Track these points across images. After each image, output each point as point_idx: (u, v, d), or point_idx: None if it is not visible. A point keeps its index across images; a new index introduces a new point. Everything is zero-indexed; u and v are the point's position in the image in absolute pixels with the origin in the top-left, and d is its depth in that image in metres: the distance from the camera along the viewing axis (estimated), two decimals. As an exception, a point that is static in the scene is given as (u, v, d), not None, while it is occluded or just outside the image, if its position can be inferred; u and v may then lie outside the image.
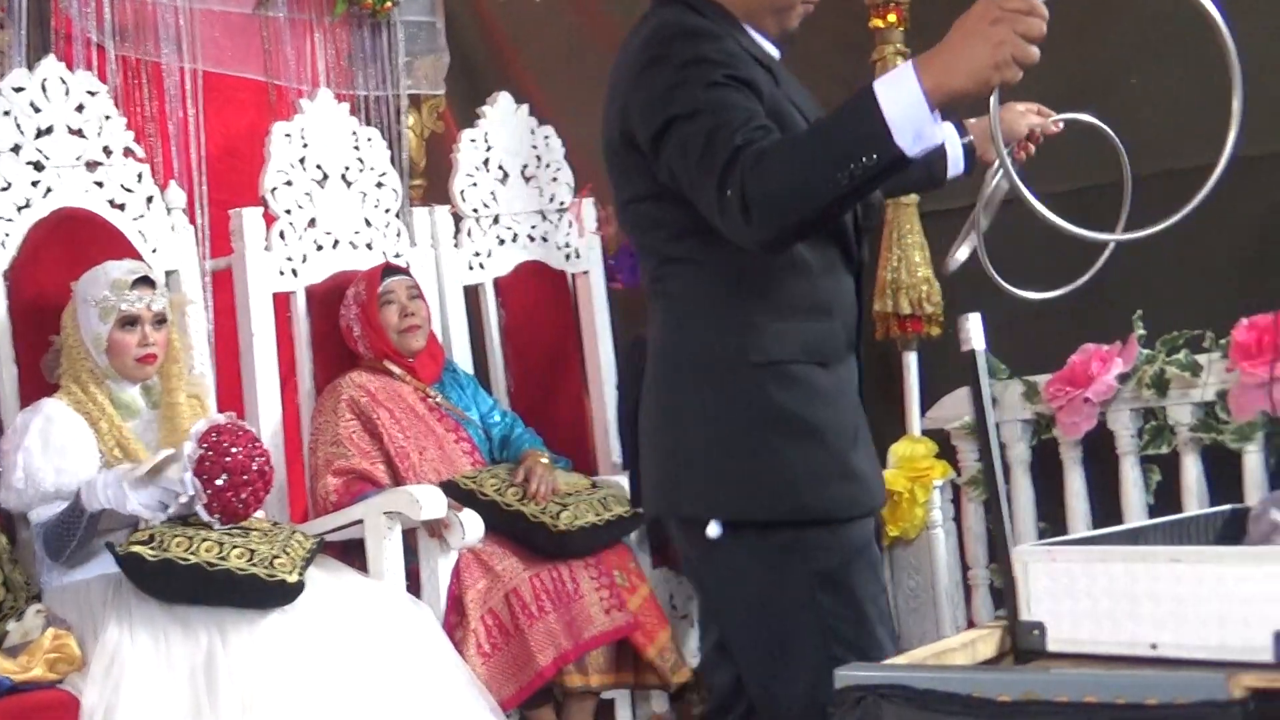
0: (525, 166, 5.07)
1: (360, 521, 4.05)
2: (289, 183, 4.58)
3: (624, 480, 4.50)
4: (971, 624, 4.76)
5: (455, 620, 4.06)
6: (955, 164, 2.84)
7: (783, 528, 2.46)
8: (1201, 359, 4.33)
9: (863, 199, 2.31)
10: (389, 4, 4.98)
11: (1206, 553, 1.94)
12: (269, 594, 3.51)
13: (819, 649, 2.44)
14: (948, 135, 2.77)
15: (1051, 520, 4.68)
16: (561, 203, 5.12)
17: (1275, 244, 4.50)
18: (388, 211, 4.79)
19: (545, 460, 4.42)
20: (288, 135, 4.60)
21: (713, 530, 2.48)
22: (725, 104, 2.30)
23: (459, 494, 4.20)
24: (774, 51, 2.58)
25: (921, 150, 2.12)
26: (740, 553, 2.49)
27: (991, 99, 2.08)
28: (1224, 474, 4.33)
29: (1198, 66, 4.85)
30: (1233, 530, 2.24)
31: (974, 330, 2.30)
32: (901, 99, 2.09)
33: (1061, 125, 2.85)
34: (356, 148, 4.74)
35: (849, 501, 2.49)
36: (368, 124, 4.93)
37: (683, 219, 2.44)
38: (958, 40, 2.09)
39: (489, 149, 5.01)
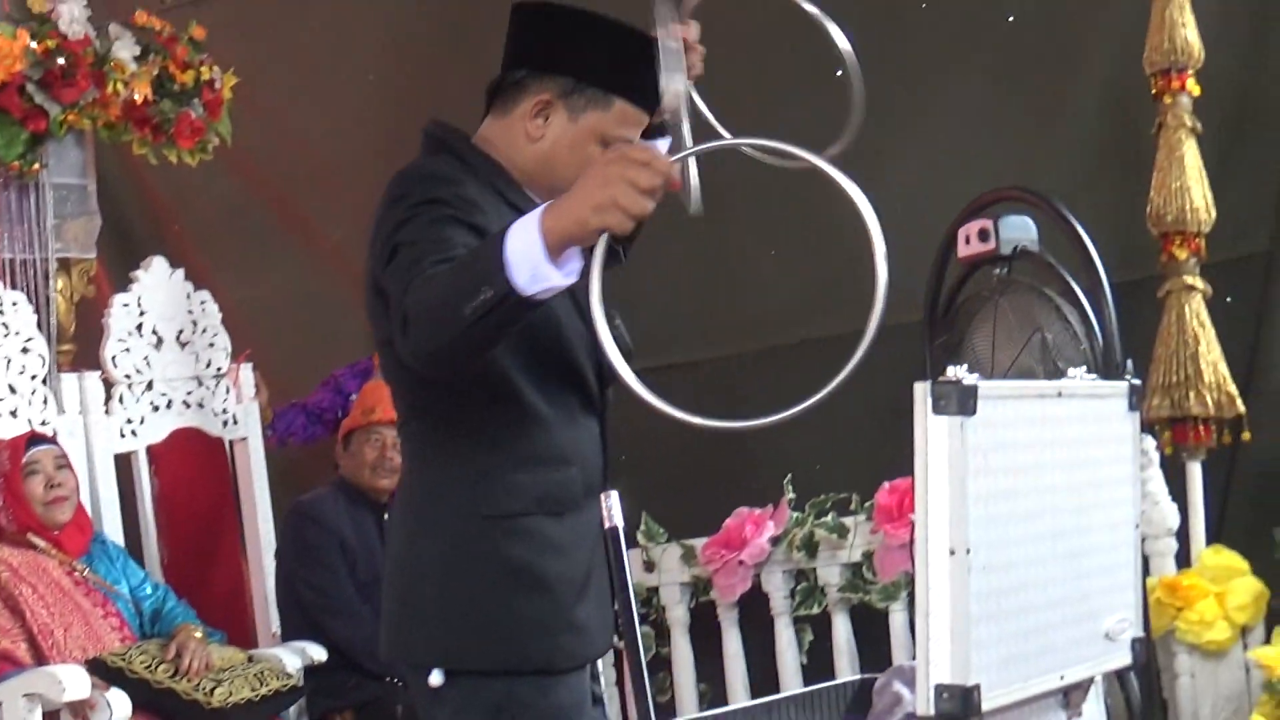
0: (181, 331, 4.97)
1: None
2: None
3: (283, 652, 4.46)
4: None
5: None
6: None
7: (500, 679, 2.44)
8: (848, 521, 4.51)
9: (503, 336, 2.23)
10: (37, 166, 4.85)
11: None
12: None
13: None
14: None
15: (711, 682, 4.77)
16: (219, 368, 5.03)
17: (909, 408, 4.73)
18: (34, 378, 4.62)
19: (199, 634, 4.29)
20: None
21: (435, 679, 2.44)
22: (439, 239, 2.29)
23: (106, 672, 4.05)
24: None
25: (543, 290, 2.09)
26: (458, 702, 2.45)
27: (597, 247, 2.04)
28: (872, 633, 4.49)
29: (834, 239, 5.13)
30: (862, 701, 2.33)
31: (614, 508, 2.37)
32: (524, 237, 2.07)
33: None
34: (0, 312, 4.58)
35: (568, 654, 2.48)
36: (13, 288, 4.76)
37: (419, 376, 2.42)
38: (578, 184, 2.09)
39: (142, 313, 4.90)
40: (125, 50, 4.86)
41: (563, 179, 2.34)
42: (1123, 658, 2.43)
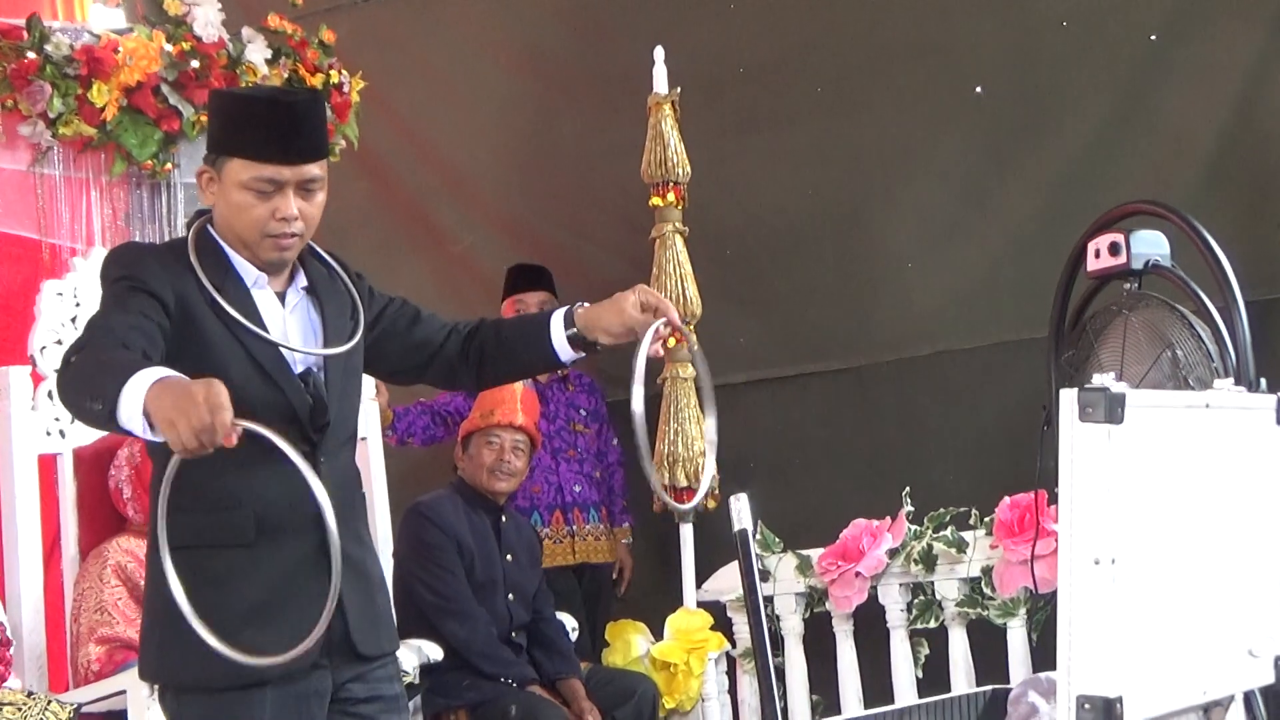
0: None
1: (123, 692, 3.90)
2: (59, 341, 4.45)
3: (400, 651, 4.48)
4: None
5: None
6: (563, 352, 2.97)
7: (182, 694, 2.80)
8: (967, 535, 4.46)
9: (108, 430, 2.52)
10: (169, 166, 4.93)
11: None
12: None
13: None
14: (553, 329, 2.97)
15: (824, 693, 4.74)
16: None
17: (1034, 424, 4.68)
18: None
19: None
20: (59, 294, 4.48)
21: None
22: (106, 312, 2.68)
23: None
24: (249, 274, 2.83)
25: (133, 431, 2.40)
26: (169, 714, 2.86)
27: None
28: (989, 648, 4.45)
29: (969, 255, 5.11)
30: (993, 711, 2.31)
31: (742, 510, 2.37)
32: (133, 397, 2.36)
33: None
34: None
35: (227, 673, 2.62)
36: (144, 284, 4.84)
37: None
38: (178, 393, 2.34)
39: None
40: (257, 53, 4.94)
41: (239, 226, 2.78)
42: (1266, 676, 2.38)
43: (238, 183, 2.76)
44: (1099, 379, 2.12)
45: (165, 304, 2.71)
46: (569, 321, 2.93)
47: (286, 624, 2.69)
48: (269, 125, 2.75)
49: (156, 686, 2.91)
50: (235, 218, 2.78)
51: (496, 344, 2.99)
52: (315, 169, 2.80)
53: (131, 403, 2.37)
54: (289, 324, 2.85)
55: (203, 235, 2.84)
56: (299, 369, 2.81)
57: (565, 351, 2.94)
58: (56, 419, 4.40)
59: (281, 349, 2.78)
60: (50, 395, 4.39)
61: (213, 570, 2.73)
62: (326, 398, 2.80)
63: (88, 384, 2.46)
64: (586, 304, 2.94)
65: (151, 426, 2.37)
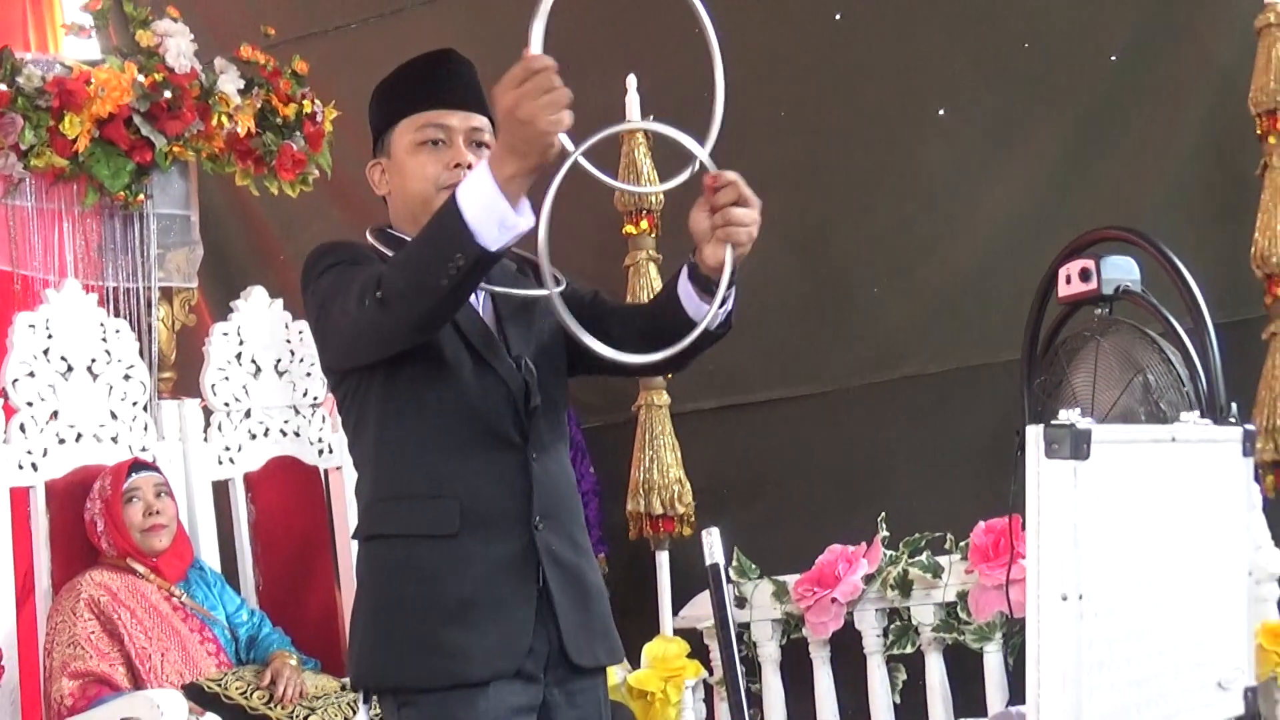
0: (279, 360, 5.02)
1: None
2: (31, 374, 4.45)
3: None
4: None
5: (195, 832, 3.90)
6: (692, 305, 2.64)
7: (396, 695, 2.60)
8: (943, 560, 4.47)
9: (477, 283, 2.44)
10: (141, 197, 4.93)
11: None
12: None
13: None
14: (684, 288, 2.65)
15: (802, 719, 4.74)
16: (315, 398, 5.08)
17: (1008, 448, 4.70)
18: (135, 405, 4.68)
19: (294, 662, 4.31)
20: (31, 326, 4.48)
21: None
22: (349, 274, 2.55)
23: (203, 698, 4.07)
24: None
25: (510, 237, 2.31)
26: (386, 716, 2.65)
27: (567, 152, 2.28)
28: (966, 673, 4.45)
29: (934, 278, 5.13)
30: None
31: (714, 544, 2.37)
32: (479, 200, 2.29)
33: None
34: (104, 339, 4.64)
35: (436, 673, 2.55)
36: (117, 315, 4.83)
37: (351, 424, 2.71)
38: (503, 135, 2.29)
39: (241, 342, 4.95)
40: (230, 84, 4.94)
41: (416, 189, 2.69)
42: (1235, 707, 2.39)
43: (408, 145, 2.71)
44: (1065, 415, 2.13)
45: None
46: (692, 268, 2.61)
47: (493, 626, 2.58)
48: (427, 75, 2.73)
49: (365, 693, 2.70)
50: (411, 183, 2.71)
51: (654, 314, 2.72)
52: (483, 120, 2.73)
53: (486, 210, 2.28)
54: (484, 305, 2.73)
55: (386, 235, 2.75)
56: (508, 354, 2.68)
57: (698, 303, 2.59)
58: (29, 451, 4.40)
59: (495, 291, 2.66)
60: (22, 428, 4.38)
61: (416, 562, 2.60)
62: (536, 382, 2.67)
63: (426, 264, 2.36)
64: None
65: (514, 204, 2.28)
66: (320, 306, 2.60)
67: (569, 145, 2.30)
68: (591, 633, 2.68)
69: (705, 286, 2.58)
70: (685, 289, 2.61)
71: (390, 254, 2.64)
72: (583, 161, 2.36)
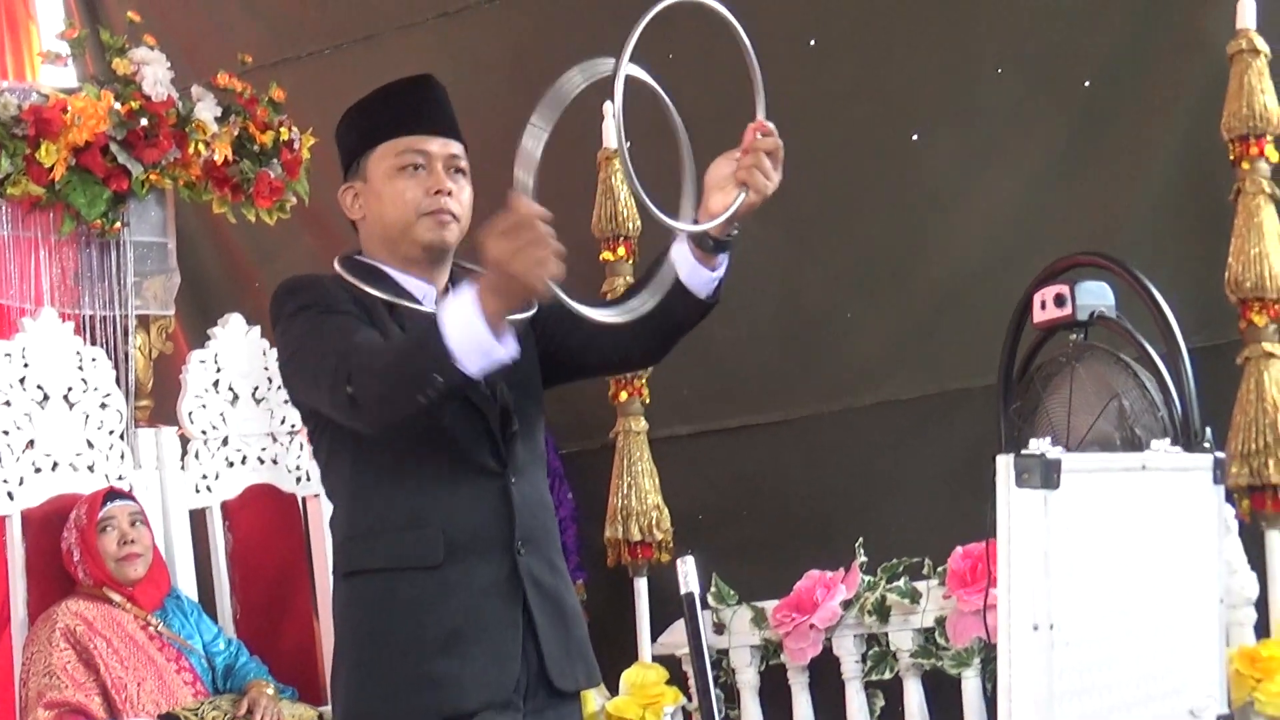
0: (256, 388, 5.01)
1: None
2: (7, 403, 4.45)
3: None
4: None
5: None
6: (690, 271, 2.60)
7: None
8: (921, 586, 4.47)
9: (452, 402, 2.46)
10: (118, 225, 4.92)
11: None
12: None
13: None
14: (681, 261, 2.61)
15: (780, 745, 4.73)
16: (293, 425, 5.07)
17: (984, 473, 4.71)
18: (111, 433, 4.67)
19: (270, 691, 4.31)
20: (7, 354, 4.48)
21: None
22: (319, 335, 2.55)
23: (179, 727, 4.06)
24: (419, 290, 2.71)
25: (490, 364, 2.32)
26: None
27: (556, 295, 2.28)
28: (945, 699, 4.45)
29: (908, 303, 5.14)
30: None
31: (690, 573, 2.37)
32: (463, 327, 2.30)
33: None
34: (80, 368, 4.63)
35: (423, 709, 2.55)
36: (93, 344, 4.82)
37: (323, 457, 2.71)
38: (491, 278, 2.30)
39: (219, 370, 4.94)
40: (207, 111, 4.93)
41: (395, 216, 2.67)
42: (1207, 735, 2.40)
43: (386, 170, 2.69)
44: (1035, 444, 2.13)
45: (359, 319, 2.62)
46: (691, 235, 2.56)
47: (482, 654, 2.58)
48: (407, 100, 2.72)
49: None
50: (390, 209, 2.69)
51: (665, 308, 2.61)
52: (459, 147, 2.73)
53: (470, 338, 2.29)
54: None
55: (356, 264, 2.73)
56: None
57: (696, 271, 2.56)
58: (4, 480, 4.38)
59: None
60: (-2, 459, 4.37)
61: (402, 595, 2.59)
62: (513, 407, 2.68)
63: (404, 380, 2.38)
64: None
65: (498, 336, 2.29)
66: (291, 356, 2.61)
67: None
68: (571, 655, 2.69)
69: (704, 247, 2.56)
70: (682, 256, 2.58)
71: (359, 285, 2.65)
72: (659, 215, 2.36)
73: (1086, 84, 4.83)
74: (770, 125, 2.51)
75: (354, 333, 2.54)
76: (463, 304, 2.31)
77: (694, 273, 2.58)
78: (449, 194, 2.68)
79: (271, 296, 2.69)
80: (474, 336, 2.29)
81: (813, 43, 5.22)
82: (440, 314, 2.33)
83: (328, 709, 4.50)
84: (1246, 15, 4.34)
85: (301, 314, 2.59)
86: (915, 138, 5.10)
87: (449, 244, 2.72)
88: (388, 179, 2.69)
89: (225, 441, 4.93)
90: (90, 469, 4.60)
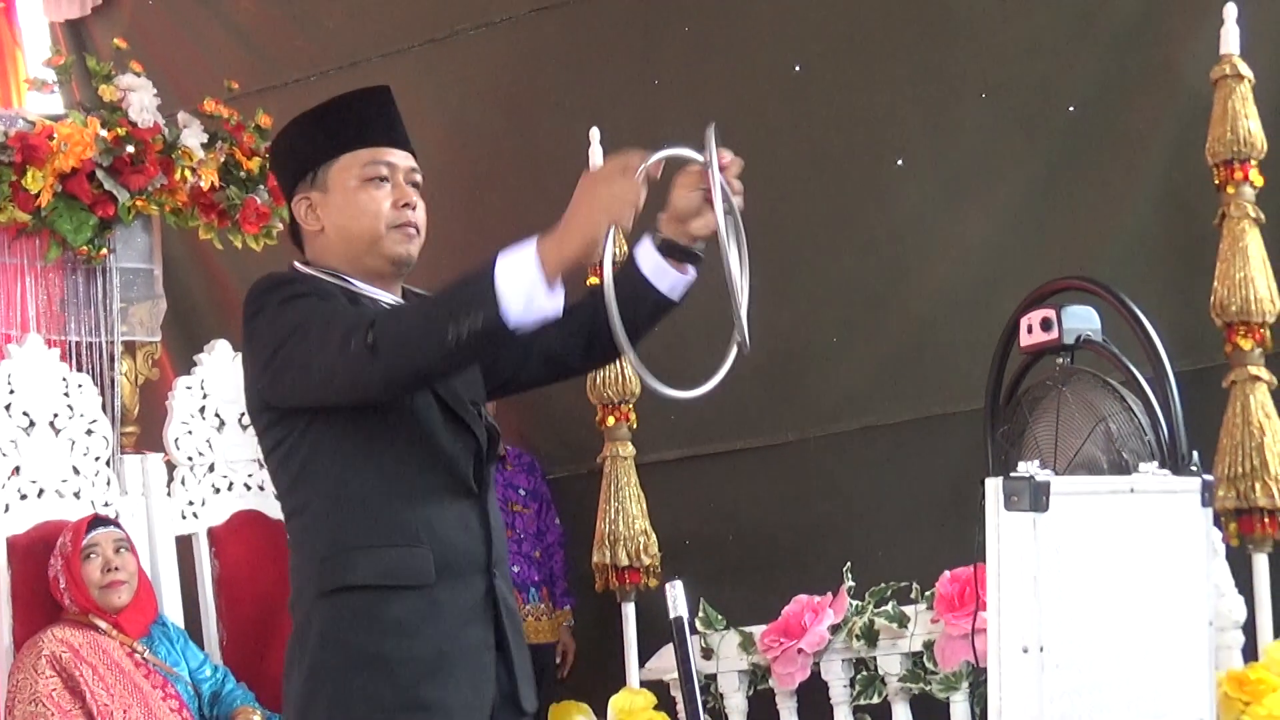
0: (242, 414, 5.00)
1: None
2: (-7, 429, 4.44)
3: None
4: None
5: None
6: (658, 277, 2.59)
7: None
8: (908, 610, 4.47)
9: (474, 361, 2.42)
10: (104, 251, 4.92)
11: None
12: None
13: None
14: (652, 263, 2.60)
15: (769, 770, 4.72)
16: (279, 451, 5.05)
17: (972, 497, 4.72)
18: (97, 460, 4.66)
19: (257, 717, 4.29)
20: (-6, 380, 4.47)
21: None
22: (324, 308, 2.47)
23: (165, 755, 4.04)
24: (389, 300, 2.66)
25: (534, 320, 2.25)
26: None
27: (606, 245, 2.25)
28: (933, 723, 4.45)
29: (894, 328, 5.15)
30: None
31: (678, 598, 2.37)
32: (518, 272, 2.23)
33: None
34: (66, 394, 4.62)
35: None
36: (79, 370, 4.81)
37: (294, 469, 2.56)
38: (572, 213, 2.27)
39: (205, 396, 4.93)
40: (193, 138, 4.94)
41: (362, 228, 2.58)
42: (1197, 757, 2.40)
43: (351, 182, 2.61)
44: (1024, 467, 2.14)
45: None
46: (655, 240, 2.56)
47: (465, 678, 2.55)
48: (368, 111, 2.66)
49: None
50: (356, 221, 2.61)
51: (594, 308, 2.58)
52: (416, 162, 2.68)
53: (521, 284, 2.22)
54: None
55: (319, 271, 2.63)
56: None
57: (662, 274, 2.55)
58: (-10, 508, 4.37)
59: None
60: (-17, 485, 4.36)
61: (392, 614, 2.51)
62: (497, 432, 2.64)
63: (438, 316, 2.29)
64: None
65: (550, 287, 2.23)
66: (289, 336, 2.47)
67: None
68: (530, 677, 2.69)
69: (681, 254, 2.56)
70: (654, 265, 2.56)
71: (337, 282, 2.59)
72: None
73: (1071, 109, 4.86)
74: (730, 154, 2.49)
75: (333, 305, 2.49)
76: (521, 250, 2.26)
77: (660, 273, 2.58)
78: (414, 207, 2.65)
79: (249, 292, 2.56)
80: (525, 278, 2.23)
81: (798, 68, 5.24)
82: (498, 255, 2.26)
83: (315, 736, 4.49)
84: (1230, 41, 4.37)
85: (299, 300, 2.49)
86: (900, 163, 5.12)
87: (413, 257, 2.66)
88: (354, 190, 2.61)
89: (211, 468, 4.92)
90: (76, 495, 4.58)
